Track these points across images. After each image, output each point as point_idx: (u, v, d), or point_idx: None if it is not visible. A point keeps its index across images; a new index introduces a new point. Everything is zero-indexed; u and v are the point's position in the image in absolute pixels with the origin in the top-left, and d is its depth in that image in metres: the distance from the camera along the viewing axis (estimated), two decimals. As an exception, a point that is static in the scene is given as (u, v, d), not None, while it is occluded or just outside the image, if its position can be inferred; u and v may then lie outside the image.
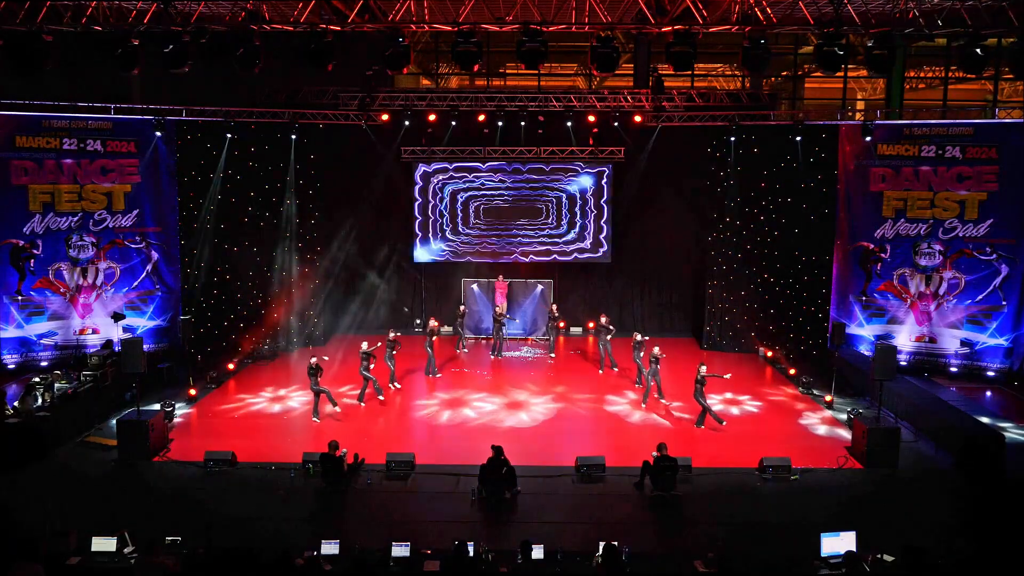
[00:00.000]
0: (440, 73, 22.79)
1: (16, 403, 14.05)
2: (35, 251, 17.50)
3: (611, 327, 18.41)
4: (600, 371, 18.52)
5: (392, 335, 17.10)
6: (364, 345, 16.05)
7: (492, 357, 19.57)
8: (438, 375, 18.04)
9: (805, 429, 15.07)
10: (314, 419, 14.98)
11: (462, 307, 20.91)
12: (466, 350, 20.19)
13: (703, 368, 14.71)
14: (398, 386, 17.09)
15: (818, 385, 17.05)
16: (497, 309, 20.86)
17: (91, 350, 17.64)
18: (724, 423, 14.76)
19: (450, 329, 21.73)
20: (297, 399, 16.35)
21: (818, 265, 19.22)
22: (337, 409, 15.32)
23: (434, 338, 18.49)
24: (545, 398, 16.62)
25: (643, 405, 16.01)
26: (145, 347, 15.48)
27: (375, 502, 11.80)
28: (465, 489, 11.96)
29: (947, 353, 17.78)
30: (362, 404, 15.92)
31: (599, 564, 8.86)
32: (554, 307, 20.39)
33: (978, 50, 11.15)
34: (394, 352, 16.90)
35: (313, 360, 15.01)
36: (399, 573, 8.99)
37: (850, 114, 21.35)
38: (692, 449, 13.17)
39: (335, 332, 21.64)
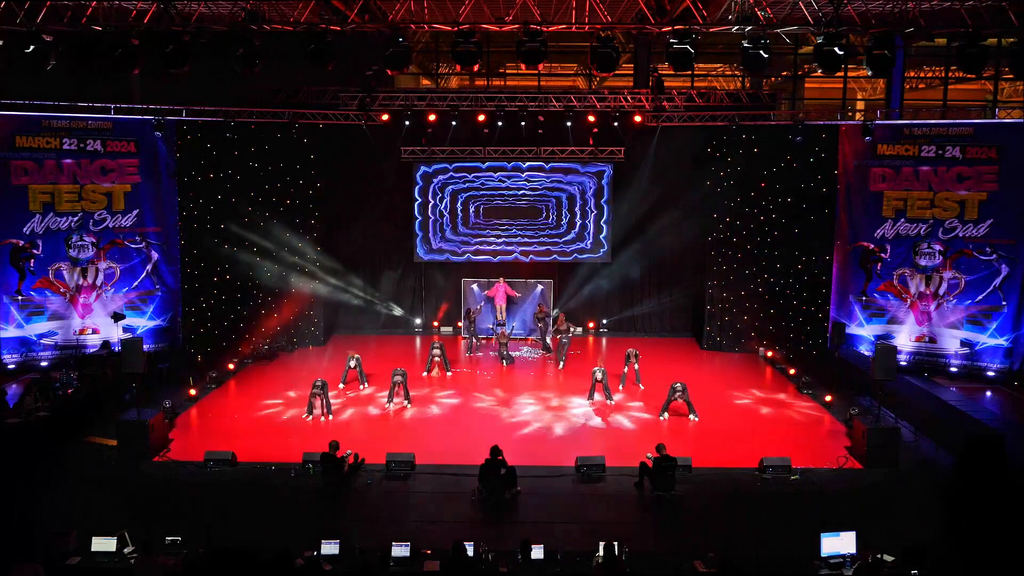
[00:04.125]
0: (440, 73, 22.79)
1: (16, 403, 14.06)
2: (35, 251, 17.50)
3: (571, 329, 18.97)
4: (560, 367, 18.74)
5: (353, 363, 17.22)
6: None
7: (503, 365, 19.33)
8: (423, 375, 17.94)
9: (805, 429, 15.07)
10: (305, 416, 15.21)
11: (476, 308, 20.81)
12: (479, 353, 20.09)
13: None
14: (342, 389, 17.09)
15: (818, 385, 17.05)
16: (497, 312, 20.93)
17: (91, 350, 17.66)
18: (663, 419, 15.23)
19: (450, 329, 21.76)
20: (298, 399, 16.32)
21: (818, 265, 19.21)
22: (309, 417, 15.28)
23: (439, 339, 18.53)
24: (544, 398, 16.63)
25: (620, 387, 16.76)
26: (145, 347, 15.48)
27: (375, 502, 11.80)
28: (465, 489, 11.96)
29: (947, 353, 17.77)
30: (390, 407, 15.91)
31: (599, 564, 8.87)
32: (541, 306, 20.49)
33: (978, 50, 11.14)
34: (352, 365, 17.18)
35: (319, 382, 15.28)
36: (399, 573, 8.99)
37: (850, 114, 21.34)
38: (692, 449, 13.17)
39: (334, 332, 21.65)
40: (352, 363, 17.16)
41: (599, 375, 16.08)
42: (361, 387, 17.01)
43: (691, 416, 15.14)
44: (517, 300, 21.36)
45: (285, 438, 14.17)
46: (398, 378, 15.86)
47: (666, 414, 15.27)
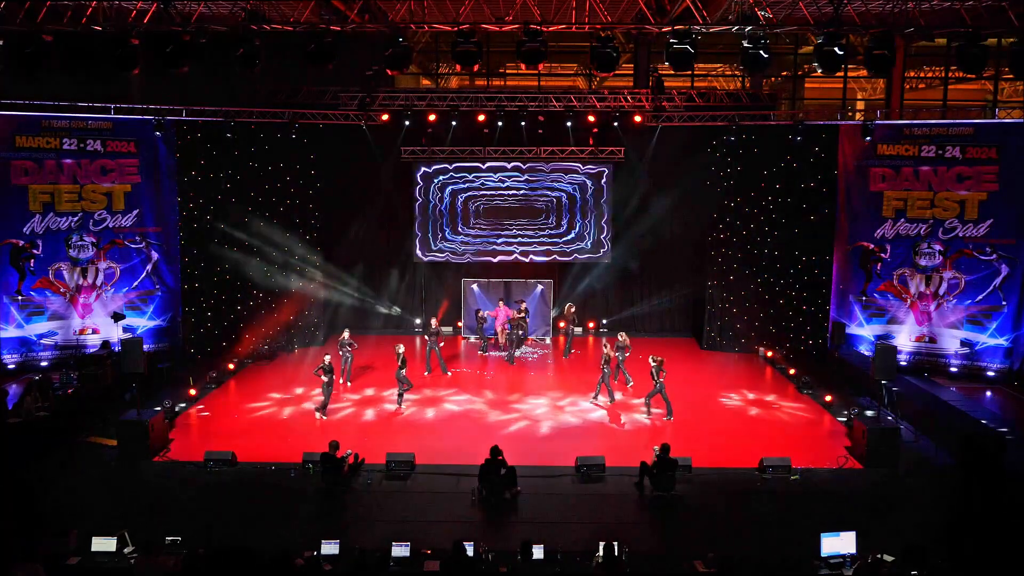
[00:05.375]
0: (440, 73, 22.78)
1: (16, 403, 14.05)
2: (35, 251, 17.51)
3: (575, 322, 20.13)
4: (564, 356, 19.59)
5: (346, 335, 17.31)
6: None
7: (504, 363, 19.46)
8: (425, 375, 17.98)
9: (805, 429, 15.07)
10: (319, 416, 15.23)
11: (484, 313, 20.84)
12: (491, 352, 20.18)
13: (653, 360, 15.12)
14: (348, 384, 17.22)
15: (818, 385, 17.05)
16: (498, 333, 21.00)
17: (91, 350, 17.66)
18: (663, 416, 15.09)
19: (449, 329, 21.73)
20: (297, 399, 16.34)
21: (818, 265, 19.23)
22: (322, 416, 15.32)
23: (440, 344, 18.51)
24: (544, 397, 16.62)
25: (602, 395, 16.37)
26: (145, 347, 15.48)
27: (375, 502, 11.80)
28: (465, 489, 11.96)
29: (947, 353, 17.76)
30: (400, 407, 15.87)
31: (599, 564, 8.87)
32: (570, 307, 20.48)
33: (978, 50, 11.13)
34: (350, 351, 17.21)
35: (327, 358, 15.34)
36: (399, 573, 8.99)
37: (850, 114, 21.34)
38: (692, 449, 13.15)
39: (334, 332, 21.63)
40: (346, 355, 17.18)
41: (608, 349, 16.00)
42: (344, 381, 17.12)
43: (666, 416, 15.07)
44: (515, 299, 21.36)
45: (285, 438, 14.17)
46: (401, 348, 15.91)
47: (671, 415, 15.17)
